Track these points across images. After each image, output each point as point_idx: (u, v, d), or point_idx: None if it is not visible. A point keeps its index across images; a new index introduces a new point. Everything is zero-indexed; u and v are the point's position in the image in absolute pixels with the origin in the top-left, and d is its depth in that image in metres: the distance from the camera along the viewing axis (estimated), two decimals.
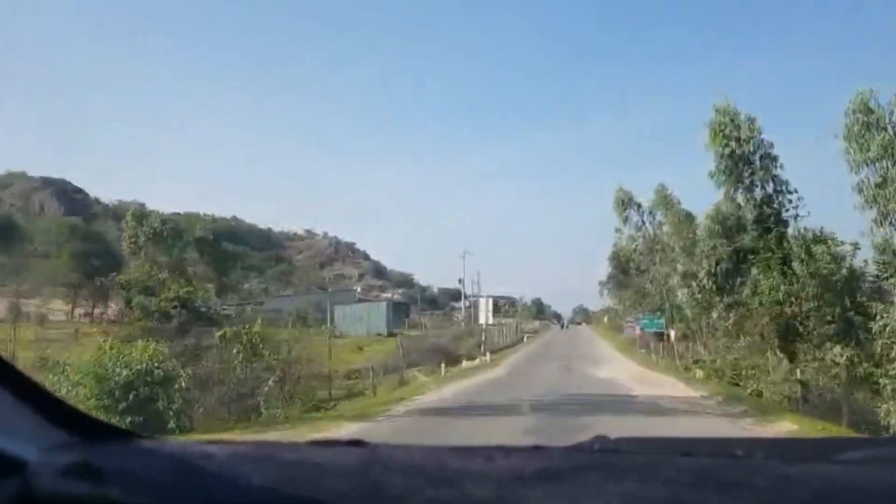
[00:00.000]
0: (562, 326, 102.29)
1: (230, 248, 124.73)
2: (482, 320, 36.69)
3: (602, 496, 0.78)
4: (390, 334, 55.21)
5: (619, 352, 40.30)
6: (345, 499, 0.82)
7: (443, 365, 27.69)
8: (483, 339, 34.81)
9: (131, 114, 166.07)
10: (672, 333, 31.14)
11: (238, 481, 0.86)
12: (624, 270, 48.07)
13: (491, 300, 38.12)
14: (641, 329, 39.13)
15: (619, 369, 26.95)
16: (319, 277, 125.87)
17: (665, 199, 34.74)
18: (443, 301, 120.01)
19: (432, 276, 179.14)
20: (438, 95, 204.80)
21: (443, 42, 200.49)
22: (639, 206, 35.68)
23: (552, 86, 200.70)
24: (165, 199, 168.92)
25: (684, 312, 33.97)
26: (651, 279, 37.08)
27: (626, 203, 35.86)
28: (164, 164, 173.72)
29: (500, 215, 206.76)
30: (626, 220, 36.38)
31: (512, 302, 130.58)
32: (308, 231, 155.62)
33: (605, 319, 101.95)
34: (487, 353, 31.46)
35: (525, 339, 55.77)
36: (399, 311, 73.36)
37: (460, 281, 74.61)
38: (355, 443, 1.00)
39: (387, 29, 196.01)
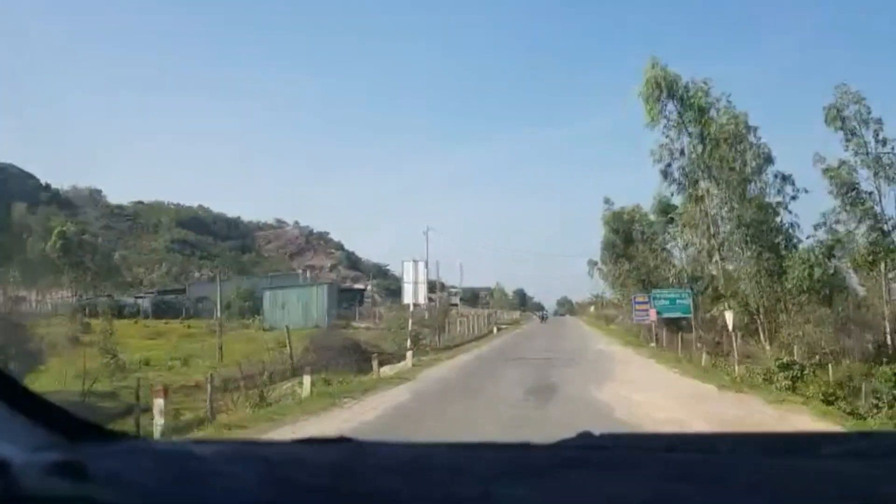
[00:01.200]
0: (541, 318, 70.31)
1: (194, 238, 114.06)
2: (408, 299, 21.63)
3: (586, 493, 0.75)
4: (342, 325, 42.09)
5: (630, 349, 26.22)
6: (331, 497, 0.78)
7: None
8: (409, 329, 20.72)
9: (97, 102, 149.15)
10: (729, 318, 17.41)
11: (225, 480, 0.83)
12: (627, 236, 34.31)
13: (421, 266, 21.96)
14: (658, 313, 25.35)
15: (658, 389, 13.03)
16: (287, 268, 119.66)
17: (702, 105, 20.57)
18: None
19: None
20: (423, 93, 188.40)
21: (428, 40, 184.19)
22: (682, 98, 20.40)
23: (533, 82, 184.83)
24: (132, 189, 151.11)
25: (738, 286, 20.17)
26: (681, 233, 22.84)
27: (664, 89, 20.42)
28: (134, 154, 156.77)
29: (484, 210, 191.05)
30: (661, 113, 20.72)
31: (493, 292, 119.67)
32: (278, 220, 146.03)
33: (592, 310, 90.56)
34: (409, 354, 17.41)
35: (496, 330, 41.81)
36: (350, 298, 58.77)
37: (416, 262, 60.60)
38: (341, 440, 0.96)
39: (372, 27, 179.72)
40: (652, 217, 31.42)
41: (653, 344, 28.79)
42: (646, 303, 26.79)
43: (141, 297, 56.96)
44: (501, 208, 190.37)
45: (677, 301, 24.43)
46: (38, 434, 0.93)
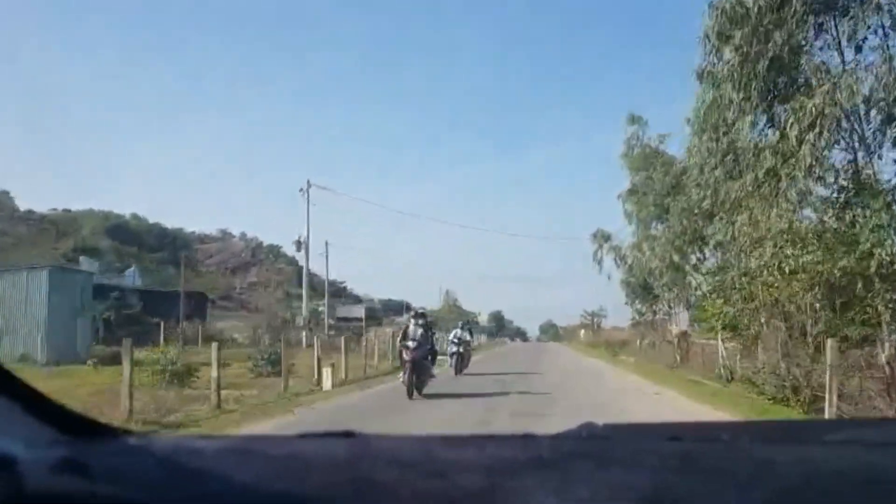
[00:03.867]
0: (457, 358, 20.28)
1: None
2: None
3: (590, 483, 0.73)
4: (106, 361, 17.12)
5: None
6: (335, 491, 0.75)
7: None
8: None
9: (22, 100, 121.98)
10: None
11: (228, 477, 0.79)
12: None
13: None
14: None
15: None
16: (227, 285, 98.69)
17: None
18: (385, 314, 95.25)
19: (381, 288, 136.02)
20: (405, 111, 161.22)
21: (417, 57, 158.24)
22: None
23: (517, 105, 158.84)
24: (57, 195, 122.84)
25: None
26: None
27: None
28: (67, 159, 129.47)
29: (464, 233, 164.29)
30: None
31: (474, 318, 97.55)
32: (223, 231, 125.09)
33: (582, 334, 68.02)
34: None
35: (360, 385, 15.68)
36: (168, 305, 32.23)
37: (297, 244, 35.45)
38: (345, 434, 0.93)
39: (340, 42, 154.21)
40: None
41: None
42: None
43: None
44: (486, 230, 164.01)
45: None
46: (40, 431, 0.88)
